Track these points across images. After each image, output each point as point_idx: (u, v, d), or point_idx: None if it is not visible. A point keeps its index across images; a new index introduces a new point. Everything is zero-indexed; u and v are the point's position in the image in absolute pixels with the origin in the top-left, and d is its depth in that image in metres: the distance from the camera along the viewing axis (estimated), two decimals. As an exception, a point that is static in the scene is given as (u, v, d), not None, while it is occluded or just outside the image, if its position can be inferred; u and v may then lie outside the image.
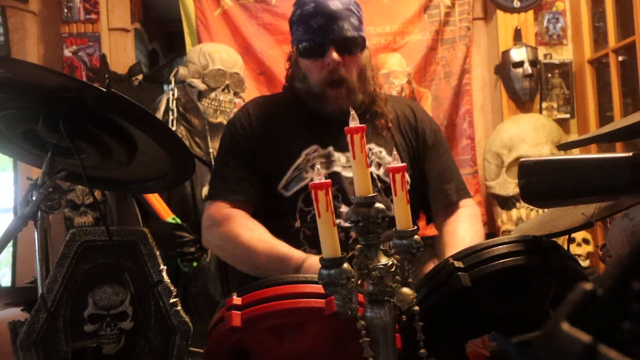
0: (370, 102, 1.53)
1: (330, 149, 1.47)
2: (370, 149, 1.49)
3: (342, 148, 1.47)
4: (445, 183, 1.54)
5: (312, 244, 1.42)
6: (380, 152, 1.49)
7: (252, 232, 1.40)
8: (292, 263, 1.29)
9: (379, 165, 1.49)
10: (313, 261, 1.26)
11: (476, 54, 3.51)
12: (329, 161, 1.46)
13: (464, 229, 1.45)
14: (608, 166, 0.82)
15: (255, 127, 1.51)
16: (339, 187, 1.44)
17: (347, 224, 1.37)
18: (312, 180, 1.45)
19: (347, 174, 1.45)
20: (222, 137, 1.60)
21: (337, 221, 1.40)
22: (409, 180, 1.51)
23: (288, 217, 1.44)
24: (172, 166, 1.17)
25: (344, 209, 1.42)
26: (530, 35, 3.44)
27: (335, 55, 1.41)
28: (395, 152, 0.84)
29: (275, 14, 3.32)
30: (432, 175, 1.53)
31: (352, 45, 1.43)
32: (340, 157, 1.47)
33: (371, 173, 1.46)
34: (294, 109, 1.53)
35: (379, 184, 1.47)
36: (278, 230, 1.43)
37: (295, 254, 1.31)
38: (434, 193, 1.52)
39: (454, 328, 0.97)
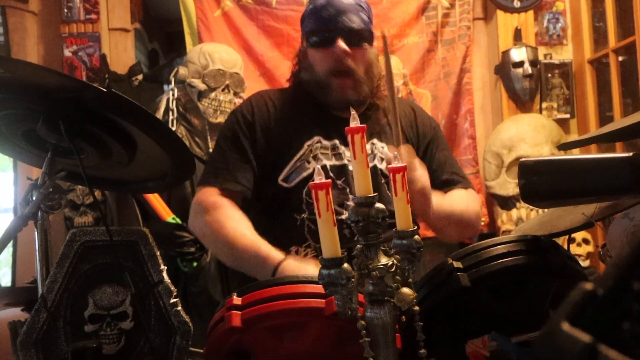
0: (375, 99, 1.55)
1: (336, 141, 1.48)
2: (373, 144, 1.50)
3: (347, 142, 1.47)
4: (446, 174, 1.56)
5: (316, 238, 1.40)
6: (383, 147, 1.51)
7: (237, 224, 1.38)
8: (268, 264, 1.28)
9: (382, 159, 1.50)
10: (288, 263, 1.26)
11: (476, 54, 3.51)
12: (336, 153, 1.47)
13: (457, 195, 1.52)
14: (608, 166, 0.82)
15: (256, 119, 1.51)
16: (346, 179, 1.44)
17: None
18: (314, 170, 1.47)
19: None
20: (222, 127, 1.59)
21: (344, 216, 1.39)
22: None
23: (293, 210, 1.43)
24: (172, 166, 1.17)
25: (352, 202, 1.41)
26: (530, 35, 3.44)
27: (342, 44, 1.43)
28: (395, 152, 0.83)
29: (275, 16, 3.32)
30: (433, 169, 1.54)
31: (360, 38, 1.46)
32: (346, 151, 1.47)
33: (375, 167, 1.47)
34: (298, 102, 1.53)
35: (383, 179, 1.48)
36: (282, 224, 1.43)
37: (273, 254, 1.29)
38: (434, 185, 1.52)
39: (454, 328, 0.97)
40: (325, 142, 1.47)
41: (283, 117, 1.51)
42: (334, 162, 1.45)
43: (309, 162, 1.45)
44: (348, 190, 1.44)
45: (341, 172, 1.45)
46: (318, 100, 1.51)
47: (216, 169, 1.48)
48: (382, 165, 1.49)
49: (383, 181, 1.48)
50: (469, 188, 1.59)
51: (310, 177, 1.40)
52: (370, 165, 1.46)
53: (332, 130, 1.48)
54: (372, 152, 1.49)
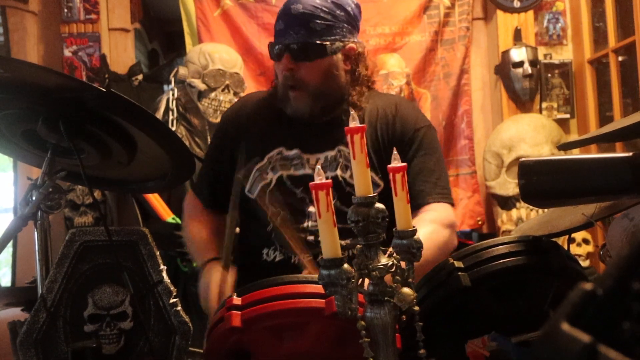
0: (345, 104, 1.47)
1: (297, 151, 1.46)
2: (340, 151, 1.45)
3: (312, 150, 1.46)
4: (417, 185, 1.43)
5: (282, 242, 1.42)
6: (349, 153, 1.46)
7: (196, 230, 1.55)
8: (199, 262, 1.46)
9: (346, 167, 1.44)
10: (206, 271, 1.38)
11: (476, 54, 3.51)
12: (297, 163, 1.45)
13: None
14: (608, 166, 0.82)
15: (227, 133, 1.57)
16: (305, 189, 1.41)
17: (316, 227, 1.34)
18: (271, 180, 1.47)
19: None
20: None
21: (306, 224, 1.41)
22: (381, 184, 1.42)
23: (261, 218, 1.46)
24: (172, 166, 1.17)
25: (312, 209, 1.40)
26: (530, 35, 3.44)
27: (287, 61, 1.41)
28: (395, 152, 0.84)
29: (274, 13, 3.30)
30: (408, 180, 1.45)
31: (309, 52, 1.40)
32: (310, 159, 1.46)
33: (336, 176, 1.42)
34: (269, 111, 1.53)
35: (347, 188, 1.41)
36: (252, 231, 1.49)
37: (202, 258, 1.44)
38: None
39: (454, 328, 0.97)
40: (287, 153, 1.47)
41: (251, 128, 1.52)
42: (292, 172, 1.45)
43: (267, 173, 1.47)
44: (308, 199, 1.42)
45: (300, 181, 1.43)
46: (282, 109, 1.50)
47: (199, 178, 1.65)
48: (347, 174, 1.43)
49: (346, 190, 1.41)
50: (440, 202, 1.43)
51: (268, 186, 1.46)
52: (332, 174, 1.42)
53: (295, 139, 1.47)
54: (335, 159, 1.44)
